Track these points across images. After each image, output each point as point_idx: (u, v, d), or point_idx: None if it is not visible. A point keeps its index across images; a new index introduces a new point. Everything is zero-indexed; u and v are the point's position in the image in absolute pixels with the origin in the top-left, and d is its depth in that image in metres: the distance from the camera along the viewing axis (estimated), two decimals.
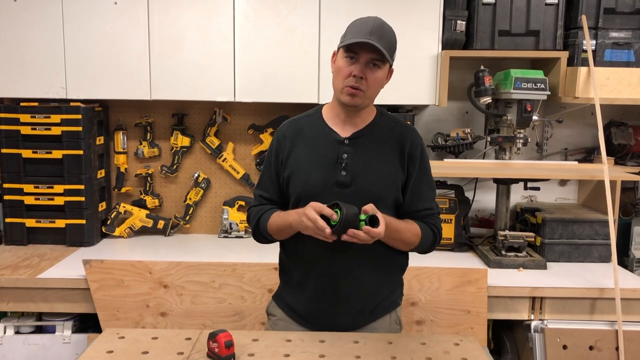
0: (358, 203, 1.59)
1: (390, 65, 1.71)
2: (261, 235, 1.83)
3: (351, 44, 1.63)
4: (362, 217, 1.56)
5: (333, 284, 1.76)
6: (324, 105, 1.84)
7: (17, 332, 2.51)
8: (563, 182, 3.18)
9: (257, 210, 1.83)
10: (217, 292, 2.43)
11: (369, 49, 1.62)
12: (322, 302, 1.79)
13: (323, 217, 1.56)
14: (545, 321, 2.36)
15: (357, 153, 1.73)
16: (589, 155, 3.12)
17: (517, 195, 3.13)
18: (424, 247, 1.80)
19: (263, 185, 1.86)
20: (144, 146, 3.08)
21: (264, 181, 1.85)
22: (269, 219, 1.77)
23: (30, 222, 2.86)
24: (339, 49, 1.70)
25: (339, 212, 1.55)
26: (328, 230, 1.54)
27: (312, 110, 1.85)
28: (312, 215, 1.56)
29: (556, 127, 3.06)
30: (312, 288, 1.79)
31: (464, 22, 2.75)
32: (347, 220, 1.53)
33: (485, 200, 3.16)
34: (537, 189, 3.01)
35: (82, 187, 2.83)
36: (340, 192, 1.67)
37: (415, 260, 2.67)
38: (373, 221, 1.56)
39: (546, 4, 2.72)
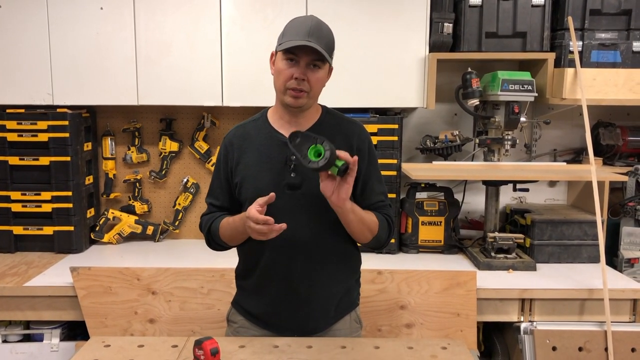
0: (310, 204, 1.61)
1: (330, 64, 1.72)
2: (215, 242, 1.84)
3: (291, 47, 1.63)
4: (339, 162, 1.52)
5: (291, 286, 1.75)
6: (269, 108, 1.84)
7: (4, 341, 2.49)
8: (552, 183, 3.19)
9: (208, 218, 1.84)
10: (206, 298, 2.41)
11: (308, 50, 1.63)
12: (282, 304, 1.79)
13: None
14: (535, 323, 2.36)
15: None
16: (577, 156, 3.12)
17: (507, 197, 3.13)
18: (382, 238, 1.80)
19: (213, 193, 1.86)
20: (132, 152, 3.07)
21: (214, 189, 1.85)
22: (219, 227, 1.77)
23: (18, 230, 2.84)
24: (277, 50, 1.70)
25: (322, 148, 1.51)
26: (271, 220, 1.54)
27: (258, 114, 1.85)
28: (254, 217, 1.55)
29: (545, 129, 3.06)
30: (270, 291, 1.78)
31: (450, 25, 2.75)
32: (332, 156, 1.49)
33: (474, 202, 3.17)
34: (526, 190, 3.02)
35: (69, 193, 2.81)
36: (292, 194, 1.65)
37: (404, 263, 2.71)
38: (344, 170, 1.53)
39: (532, 6, 2.73)
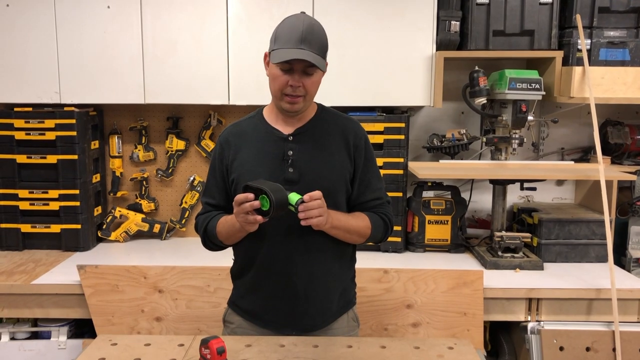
0: None
1: (325, 62, 1.71)
2: (211, 242, 1.84)
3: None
4: (293, 200, 1.56)
5: (289, 281, 1.75)
6: (264, 106, 1.84)
7: (12, 339, 2.51)
8: (560, 182, 3.17)
9: (204, 218, 1.83)
10: (212, 297, 2.42)
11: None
12: (280, 301, 1.78)
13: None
14: (542, 323, 2.34)
15: (302, 149, 1.74)
16: (585, 154, 3.11)
17: (514, 196, 3.12)
18: (377, 237, 1.83)
19: (209, 192, 1.86)
20: (139, 150, 3.08)
21: (210, 188, 1.85)
22: (217, 225, 1.77)
23: (26, 228, 2.86)
24: (270, 53, 1.68)
25: (266, 198, 1.54)
26: (251, 196, 1.56)
27: (253, 112, 1.86)
28: (238, 199, 1.57)
29: (552, 127, 3.05)
30: (268, 287, 1.78)
31: (458, 23, 2.73)
32: (280, 204, 1.53)
33: (481, 200, 3.15)
34: (534, 189, 3.00)
35: (77, 191, 2.82)
36: (290, 189, 1.64)
37: (410, 262, 2.71)
38: (301, 204, 1.57)
39: (540, 4, 2.71)
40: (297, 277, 1.75)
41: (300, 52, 1.61)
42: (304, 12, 1.71)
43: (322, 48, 1.67)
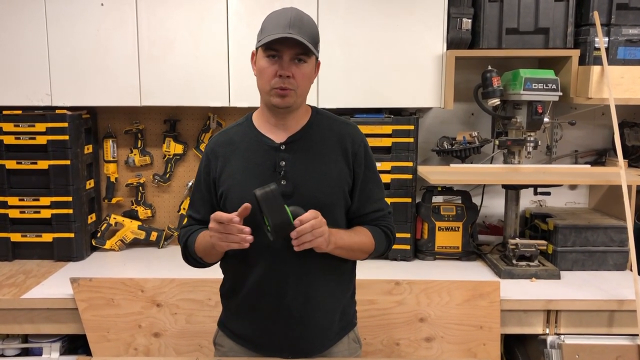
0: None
1: (317, 58, 1.58)
2: (192, 258, 1.70)
3: (271, 41, 1.48)
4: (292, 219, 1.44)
5: (283, 304, 1.61)
6: (254, 111, 1.70)
7: (1, 355, 2.38)
8: (573, 186, 3.05)
9: (185, 231, 1.70)
10: (213, 311, 2.28)
11: (290, 44, 1.48)
12: (274, 325, 1.63)
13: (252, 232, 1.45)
14: (562, 336, 2.23)
15: (295, 159, 1.60)
16: (600, 157, 2.99)
17: (526, 200, 3.00)
18: (379, 252, 1.71)
19: (194, 206, 1.72)
20: (134, 154, 2.95)
21: (195, 201, 1.72)
22: (195, 240, 1.64)
23: (16, 237, 2.72)
24: (257, 48, 1.55)
25: (266, 219, 1.41)
26: (236, 219, 1.42)
27: (242, 118, 1.72)
28: (217, 217, 1.44)
29: (566, 129, 2.93)
30: (260, 311, 1.64)
31: (469, 20, 2.61)
32: (281, 228, 1.41)
33: (492, 205, 3.03)
34: (548, 193, 2.89)
35: (69, 198, 2.69)
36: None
37: (421, 271, 2.59)
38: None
39: (555, 0, 2.59)
40: (292, 297, 1.61)
41: (289, 35, 1.47)
42: (294, 7, 1.58)
43: (312, 37, 1.53)
